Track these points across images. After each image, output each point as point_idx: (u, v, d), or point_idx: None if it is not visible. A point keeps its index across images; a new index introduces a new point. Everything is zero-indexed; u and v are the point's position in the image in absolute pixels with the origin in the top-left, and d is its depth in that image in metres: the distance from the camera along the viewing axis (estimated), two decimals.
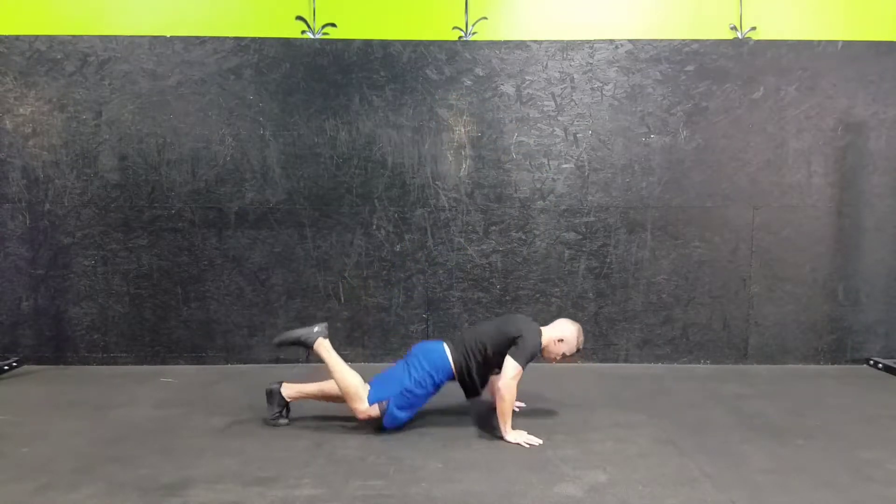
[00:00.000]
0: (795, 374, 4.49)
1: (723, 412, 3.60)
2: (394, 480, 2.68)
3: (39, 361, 4.58)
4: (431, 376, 3.21)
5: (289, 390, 3.35)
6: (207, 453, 2.97)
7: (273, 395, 3.33)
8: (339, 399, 3.29)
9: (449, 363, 3.24)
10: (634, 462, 2.89)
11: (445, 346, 3.30)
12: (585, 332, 4.65)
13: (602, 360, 4.72)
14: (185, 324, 4.62)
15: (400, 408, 3.18)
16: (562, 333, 3.34)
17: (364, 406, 3.18)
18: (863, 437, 3.23)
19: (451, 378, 3.28)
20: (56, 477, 2.71)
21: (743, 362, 4.71)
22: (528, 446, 3.05)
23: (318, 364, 4.59)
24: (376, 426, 3.23)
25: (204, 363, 4.62)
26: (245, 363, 4.62)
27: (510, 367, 3.13)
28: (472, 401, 3.65)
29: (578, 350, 3.42)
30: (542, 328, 3.35)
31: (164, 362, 4.62)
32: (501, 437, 3.14)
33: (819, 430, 3.32)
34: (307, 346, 3.34)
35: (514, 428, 3.17)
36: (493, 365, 3.26)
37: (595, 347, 4.72)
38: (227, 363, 4.63)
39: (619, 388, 4.10)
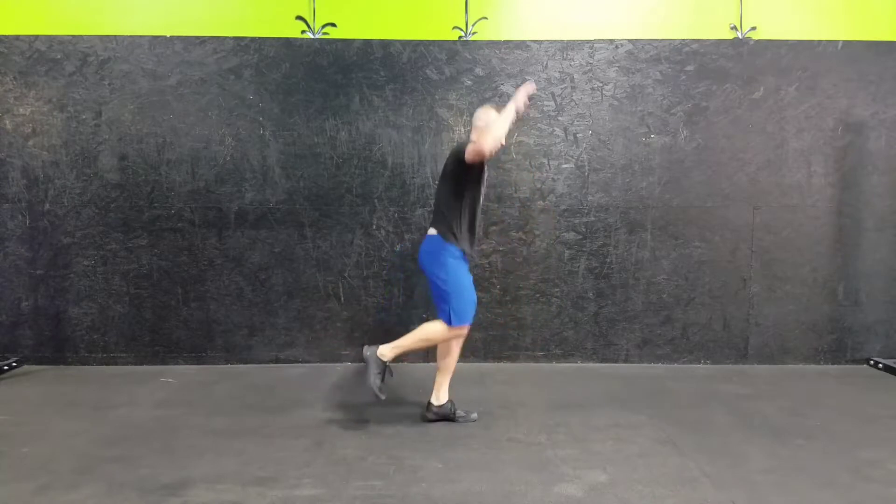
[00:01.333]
0: (795, 374, 4.49)
1: (723, 412, 3.60)
2: (394, 480, 2.68)
3: (39, 361, 4.58)
4: (440, 262, 3.21)
5: (385, 349, 3.34)
6: (207, 453, 2.97)
7: (370, 361, 3.32)
8: (437, 342, 3.34)
9: (439, 239, 3.22)
10: (634, 462, 2.89)
11: (430, 230, 3.30)
12: (585, 331, 4.69)
13: (602, 360, 4.72)
14: (185, 324, 4.62)
15: (459, 306, 3.21)
16: (483, 122, 3.28)
17: (449, 332, 3.25)
18: (863, 437, 3.23)
19: (461, 251, 3.26)
20: (56, 477, 2.71)
21: (743, 362, 4.71)
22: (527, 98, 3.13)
23: (319, 364, 4.61)
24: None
25: (204, 363, 4.62)
26: (245, 363, 4.62)
27: (471, 146, 3.04)
28: (474, 401, 3.66)
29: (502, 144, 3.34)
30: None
31: (164, 362, 4.62)
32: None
33: (819, 430, 3.32)
34: (385, 367, 3.33)
35: (513, 426, 3.17)
36: (467, 199, 3.20)
37: (595, 347, 4.72)
38: (227, 363, 4.63)
39: (619, 388, 4.10)
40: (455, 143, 3.27)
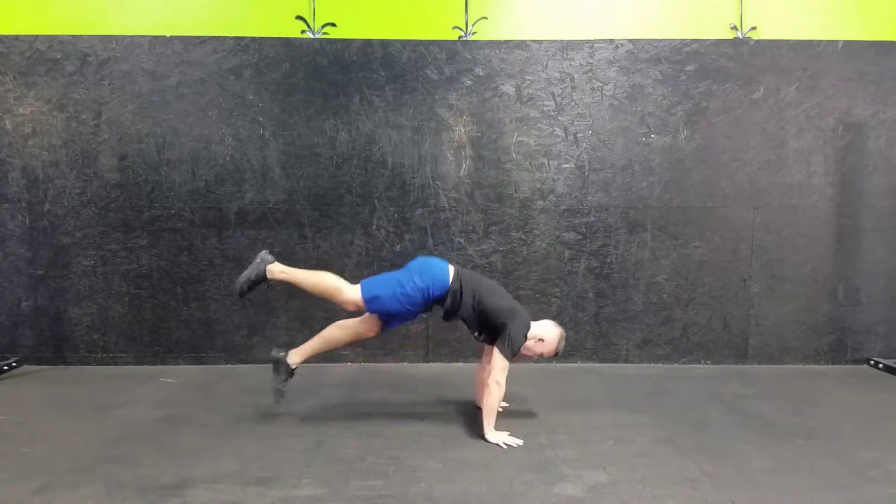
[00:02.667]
0: (795, 374, 4.49)
1: (723, 412, 3.60)
2: (394, 480, 2.68)
3: (39, 361, 4.58)
4: (429, 288, 3.18)
5: (294, 356, 3.33)
6: (207, 453, 2.97)
7: (279, 364, 3.31)
8: (345, 340, 3.30)
9: (447, 281, 3.21)
10: (634, 462, 2.89)
11: (450, 266, 3.28)
12: (585, 331, 4.69)
13: (602, 360, 4.72)
14: (185, 324, 4.62)
15: (389, 304, 3.15)
16: (544, 333, 3.32)
17: (354, 297, 3.16)
18: (863, 437, 3.23)
19: (442, 298, 3.22)
20: (56, 477, 2.71)
21: (743, 362, 4.71)
22: (505, 447, 3.04)
23: (319, 364, 4.60)
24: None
25: (204, 363, 4.62)
26: (245, 363, 4.62)
27: (499, 361, 3.12)
28: (473, 403, 3.66)
29: (556, 354, 3.40)
30: (532, 322, 3.33)
31: (164, 362, 4.62)
32: (483, 437, 3.13)
33: (819, 430, 3.32)
34: (264, 280, 3.26)
35: (513, 426, 3.17)
36: (476, 317, 3.23)
37: (595, 347, 4.72)
38: (227, 363, 4.63)
39: (619, 388, 4.10)
40: (512, 314, 3.22)
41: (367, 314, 3.29)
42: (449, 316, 3.32)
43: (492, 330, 3.23)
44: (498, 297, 3.30)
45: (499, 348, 3.14)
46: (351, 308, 3.23)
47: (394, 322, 3.31)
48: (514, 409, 3.63)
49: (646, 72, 4.57)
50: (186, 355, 4.63)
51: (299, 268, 4.55)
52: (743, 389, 4.06)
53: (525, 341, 3.22)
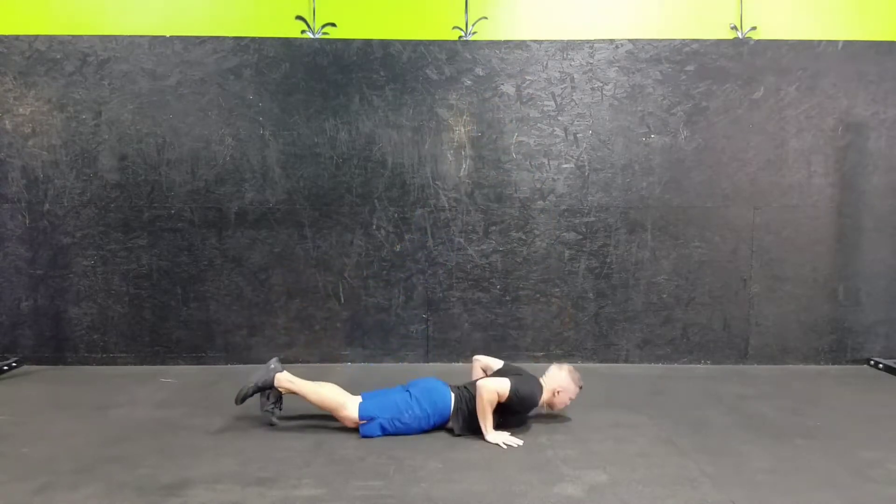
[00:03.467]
0: (795, 374, 4.49)
1: (723, 412, 3.60)
2: (394, 480, 2.68)
3: (39, 361, 4.57)
4: (429, 417, 3.21)
5: (283, 381, 3.27)
6: (207, 453, 2.97)
7: (265, 371, 3.29)
8: (328, 411, 3.27)
9: (449, 409, 3.23)
10: (634, 462, 2.89)
11: (452, 394, 3.27)
12: (585, 331, 4.69)
13: (602, 360, 4.72)
14: (185, 324, 4.62)
15: (383, 428, 3.17)
16: (557, 384, 3.36)
17: (353, 415, 3.17)
18: (863, 437, 3.22)
19: (444, 424, 3.25)
20: (56, 477, 2.71)
21: (743, 362, 4.71)
22: (505, 447, 3.04)
23: (319, 364, 4.60)
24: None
25: (204, 363, 4.62)
26: (245, 363, 4.61)
27: (496, 379, 3.19)
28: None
29: (580, 388, 3.42)
30: (542, 379, 3.37)
31: (164, 362, 4.62)
32: (483, 438, 3.13)
33: (819, 430, 3.32)
34: (270, 388, 3.26)
35: (514, 426, 3.17)
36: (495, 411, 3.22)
37: (595, 347, 4.72)
38: (227, 363, 4.63)
39: (619, 388, 4.10)
40: (525, 376, 3.30)
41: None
42: (463, 431, 3.25)
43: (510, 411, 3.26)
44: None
45: (508, 377, 3.19)
46: (350, 424, 3.21)
47: (381, 433, 3.22)
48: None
49: (646, 72, 4.57)
50: (186, 355, 4.63)
51: (302, 270, 4.59)
52: (743, 389, 4.06)
53: (533, 399, 3.24)
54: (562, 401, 3.38)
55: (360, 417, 3.17)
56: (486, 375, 3.44)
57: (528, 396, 3.20)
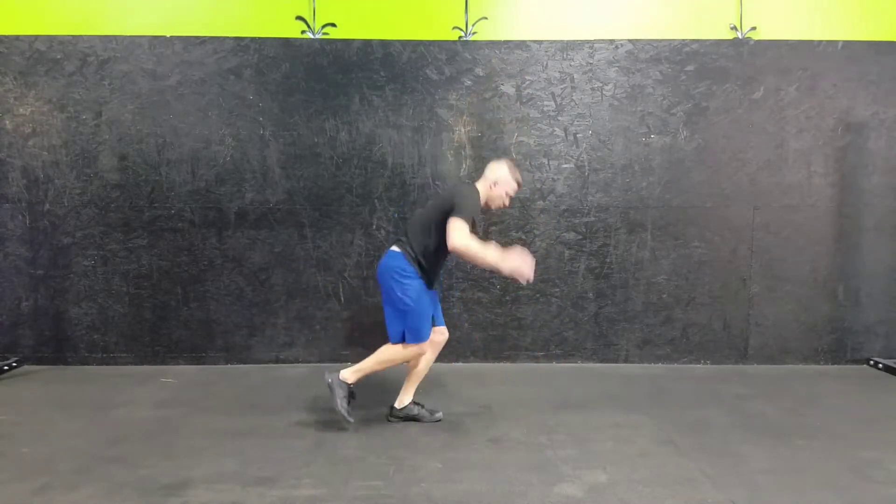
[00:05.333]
0: (795, 374, 4.49)
1: (723, 412, 3.60)
2: (394, 480, 2.68)
3: (39, 361, 4.58)
4: (402, 281, 3.13)
5: (347, 373, 3.29)
6: (207, 453, 2.97)
7: (333, 387, 3.26)
8: (398, 362, 3.29)
9: (403, 259, 3.15)
10: (634, 462, 2.89)
11: (393, 247, 3.22)
12: (585, 331, 4.69)
13: (602, 360, 4.72)
14: (185, 324, 4.62)
15: (415, 324, 3.16)
16: (495, 176, 3.24)
17: (406, 351, 3.20)
18: (863, 437, 3.23)
19: (420, 270, 3.17)
20: (56, 477, 2.71)
21: (743, 362, 4.71)
22: (525, 272, 2.98)
23: (319, 364, 4.61)
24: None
25: (204, 363, 4.62)
26: (245, 363, 4.62)
27: (451, 226, 2.97)
28: (475, 405, 3.66)
29: (518, 185, 3.28)
30: (477, 183, 3.27)
31: (164, 362, 4.62)
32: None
33: (819, 430, 3.32)
34: (352, 393, 3.28)
35: (513, 426, 3.17)
36: (441, 244, 3.11)
37: (595, 347, 4.72)
38: (227, 363, 4.63)
39: (619, 388, 4.10)
40: (453, 190, 3.19)
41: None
42: (429, 277, 3.20)
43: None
44: (433, 205, 3.22)
45: (454, 215, 2.99)
46: (419, 351, 3.24)
47: (420, 331, 3.22)
48: (515, 409, 3.63)
49: (646, 72, 4.57)
50: (186, 355, 4.63)
51: (302, 270, 4.59)
52: (743, 389, 4.06)
53: (476, 202, 3.11)
54: (498, 194, 3.23)
55: (400, 342, 3.21)
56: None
57: (473, 208, 3.07)
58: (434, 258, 3.19)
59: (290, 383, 4.15)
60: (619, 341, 4.72)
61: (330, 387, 3.24)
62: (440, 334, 3.39)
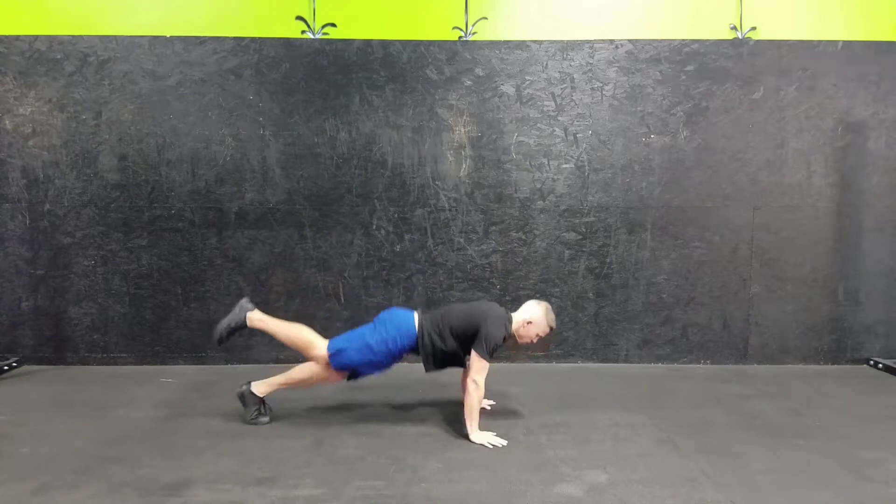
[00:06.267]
0: (795, 374, 4.49)
1: (723, 412, 3.60)
2: (394, 480, 2.68)
3: (39, 361, 4.57)
4: (395, 339, 3.19)
5: (259, 386, 3.36)
6: (207, 453, 2.97)
7: (245, 397, 3.35)
8: (310, 382, 3.32)
9: (414, 329, 3.22)
10: (634, 462, 2.89)
11: (415, 314, 3.29)
12: (585, 331, 4.69)
13: (602, 360, 4.72)
14: (185, 324, 4.62)
15: (353, 359, 3.17)
16: (530, 315, 3.29)
17: (322, 352, 3.20)
18: (863, 437, 3.23)
19: (413, 346, 3.24)
20: (56, 477, 2.71)
21: (743, 362, 4.71)
22: (490, 447, 3.04)
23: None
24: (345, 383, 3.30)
25: (204, 363, 4.62)
26: (245, 363, 4.62)
27: (476, 363, 3.12)
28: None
29: (551, 329, 3.35)
30: (512, 314, 3.32)
31: (164, 362, 4.62)
32: (467, 437, 3.13)
33: (819, 430, 3.32)
34: (242, 328, 3.34)
35: (513, 426, 3.17)
36: (456, 348, 3.21)
37: (595, 347, 4.72)
38: (227, 363, 4.63)
39: (619, 388, 4.10)
40: (486, 314, 3.20)
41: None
42: (429, 365, 3.27)
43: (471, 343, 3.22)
44: (464, 312, 3.27)
45: (476, 350, 3.13)
46: (321, 363, 3.24)
47: (360, 375, 3.27)
48: (515, 409, 3.63)
49: (646, 72, 4.57)
50: (186, 355, 4.63)
51: (302, 270, 4.59)
52: (743, 389, 4.06)
53: (506, 333, 3.19)
54: (528, 333, 3.29)
55: (329, 350, 3.19)
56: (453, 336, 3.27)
57: (496, 345, 3.15)
58: (437, 351, 3.22)
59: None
60: (619, 341, 4.72)
61: (235, 308, 3.36)
62: (335, 378, 3.33)
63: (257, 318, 3.34)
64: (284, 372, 3.37)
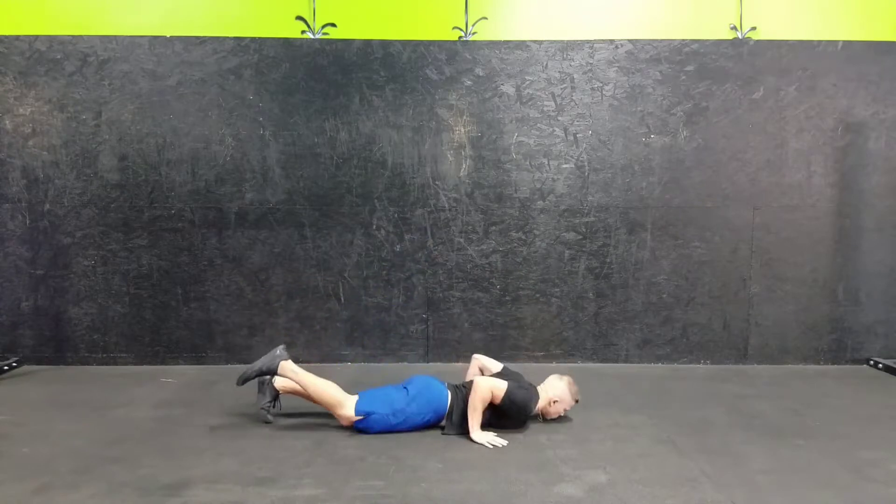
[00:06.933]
0: (795, 374, 4.49)
1: (723, 412, 3.60)
2: (394, 480, 2.68)
3: (39, 361, 4.57)
4: (424, 414, 3.23)
5: (280, 381, 3.34)
6: (207, 453, 2.97)
7: (265, 386, 3.33)
8: (325, 405, 3.28)
9: (445, 408, 3.25)
10: (634, 462, 2.89)
11: (448, 392, 3.28)
12: (585, 331, 4.69)
13: (602, 360, 4.72)
14: (185, 324, 4.62)
15: (380, 424, 3.18)
16: (556, 394, 3.36)
17: (350, 413, 3.18)
18: (863, 437, 3.23)
19: (437, 421, 3.27)
20: (56, 477, 2.71)
21: (743, 362, 4.71)
22: (490, 447, 3.04)
23: (319, 364, 4.60)
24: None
25: (204, 363, 4.62)
26: (245, 363, 4.57)
27: (497, 380, 3.19)
28: None
29: (576, 401, 3.42)
30: (538, 387, 3.36)
31: (164, 362, 4.62)
32: (468, 435, 3.14)
33: (819, 430, 3.32)
34: (273, 373, 3.29)
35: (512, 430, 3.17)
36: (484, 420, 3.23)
37: (595, 347, 4.72)
38: (227, 363, 4.63)
39: (619, 388, 4.10)
40: (525, 398, 3.23)
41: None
42: (451, 431, 3.26)
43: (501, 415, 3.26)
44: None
45: (513, 400, 3.17)
46: (346, 423, 3.23)
47: (375, 430, 3.24)
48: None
49: (646, 72, 4.57)
50: (186, 355, 4.63)
51: (302, 270, 4.59)
52: (743, 389, 4.06)
53: (530, 407, 3.24)
54: (556, 410, 3.38)
55: (357, 413, 3.18)
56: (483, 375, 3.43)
57: (522, 402, 3.20)
58: (464, 428, 3.21)
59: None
60: (619, 341, 4.72)
61: (270, 353, 3.30)
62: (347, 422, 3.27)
63: (290, 370, 3.27)
64: (317, 379, 3.27)
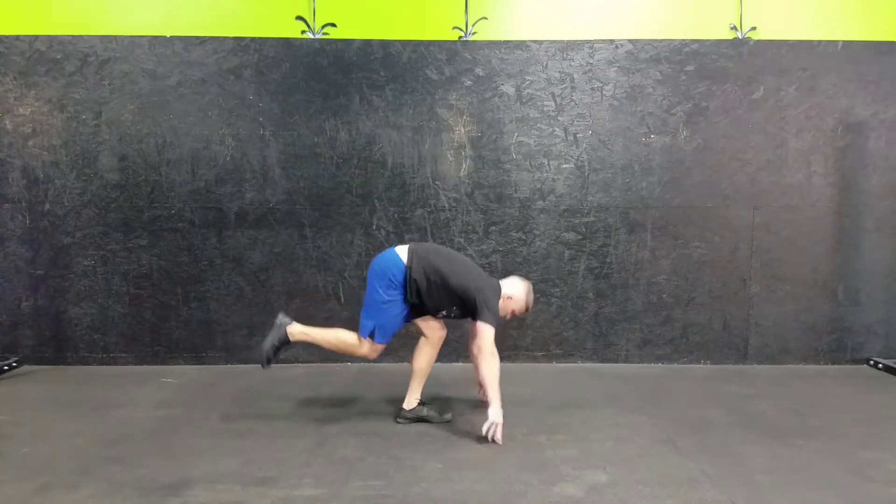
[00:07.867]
0: (795, 374, 4.49)
1: (723, 412, 3.60)
2: (394, 480, 2.68)
3: (39, 361, 4.58)
4: (391, 278, 3.20)
5: (294, 329, 3.35)
6: (207, 453, 2.97)
7: (278, 329, 3.35)
8: (344, 351, 3.36)
9: (401, 261, 3.22)
10: (634, 462, 2.89)
11: (396, 249, 3.30)
12: (585, 331, 4.69)
13: (602, 360, 4.72)
14: (185, 324, 4.62)
15: (384, 327, 3.23)
16: (512, 291, 3.34)
17: (365, 349, 3.27)
18: (863, 437, 3.23)
19: (405, 277, 3.22)
20: (56, 477, 2.71)
21: (743, 362, 4.71)
22: (492, 441, 3.04)
23: (319, 364, 4.61)
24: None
25: (204, 363, 4.62)
26: (245, 363, 4.62)
27: (485, 331, 3.14)
28: (476, 403, 3.66)
29: (527, 309, 3.41)
30: (501, 282, 3.36)
31: (164, 362, 4.62)
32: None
33: (819, 430, 3.32)
34: (287, 343, 3.35)
35: (513, 426, 3.16)
36: (443, 296, 3.22)
37: (595, 347, 4.72)
38: (227, 363, 4.63)
39: (619, 388, 4.10)
40: (478, 285, 3.21)
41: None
42: (412, 297, 3.24)
43: (463, 306, 3.25)
44: (460, 275, 3.23)
45: (482, 320, 3.15)
46: (372, 355, 3.31)
47: (389, 333, 3.29)
48: (515, 409, 3.62)
49: (646, 72, 4.57)
50: (186, 355, 4.63)
51: (302, 270, 4.59)
52: (743, 389, 4.06)
53: (497, 304, 3.26)
54: (507, 308, 3.35)
55: (365, 338, 3.25)
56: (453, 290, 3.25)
57: (497, 315, 3.23)
58: (428, 293, 3.21)
59: (290, 383, 4.14)
60: (619, 341, 4.72)
61: (275, 326, 3.35)
62: (439, 329, 3.37)
63: (299, 331, 3.34)
64: (326, 331, 3.39)
